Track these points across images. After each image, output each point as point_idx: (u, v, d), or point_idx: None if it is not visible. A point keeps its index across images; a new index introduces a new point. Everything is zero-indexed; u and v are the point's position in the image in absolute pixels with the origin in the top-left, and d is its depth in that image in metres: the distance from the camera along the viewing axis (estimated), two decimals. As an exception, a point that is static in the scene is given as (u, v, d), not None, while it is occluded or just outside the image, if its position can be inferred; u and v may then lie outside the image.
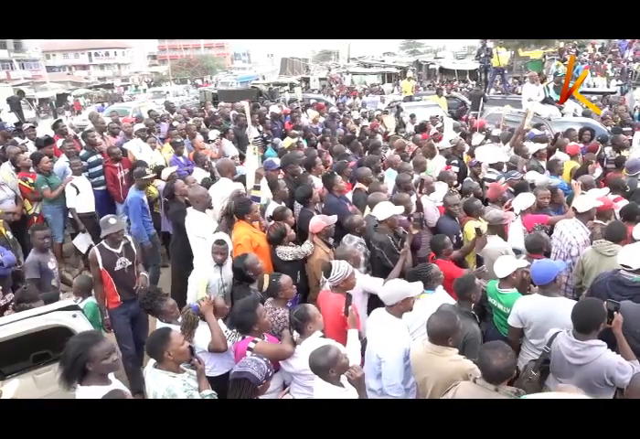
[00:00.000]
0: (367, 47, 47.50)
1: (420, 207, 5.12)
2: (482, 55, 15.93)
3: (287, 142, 8.38)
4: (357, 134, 9.66)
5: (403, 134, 10.06)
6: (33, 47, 52.56)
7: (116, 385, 2.81)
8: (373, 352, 3.40)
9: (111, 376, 2.82)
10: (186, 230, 4.99)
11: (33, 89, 35.64)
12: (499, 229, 4.73)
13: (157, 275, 6.33)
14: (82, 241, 6.57)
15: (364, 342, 3.57)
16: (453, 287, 3.65)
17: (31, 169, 6.79)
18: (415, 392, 3.35)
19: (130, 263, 4.45)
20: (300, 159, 6.58)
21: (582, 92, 15.24)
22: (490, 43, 15.86)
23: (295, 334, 3.36)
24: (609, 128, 9.73)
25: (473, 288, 3.55)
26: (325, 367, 2.74)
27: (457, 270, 4.30)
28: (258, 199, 5.29)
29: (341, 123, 11.53)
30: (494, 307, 4.00)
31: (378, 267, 4.57)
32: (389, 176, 6.41)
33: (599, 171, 6.77)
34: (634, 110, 12.67)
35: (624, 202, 5.05)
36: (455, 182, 6.27)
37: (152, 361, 2.96)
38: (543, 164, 6.93)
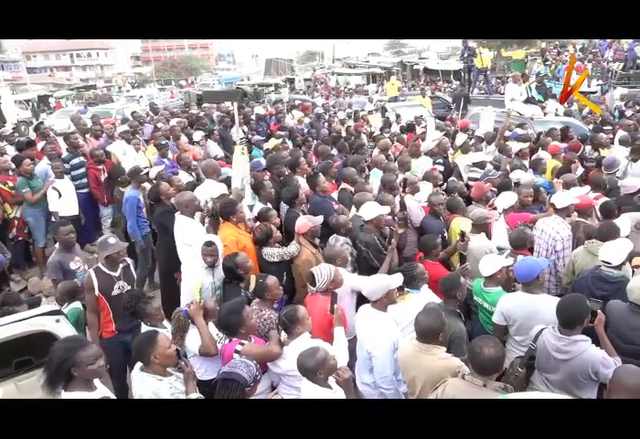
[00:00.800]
0: (351, 47, 47.67)
1: (403, 206, 5.14)
2: (465, 55, 16.07)
3: (272, 143, 8.37)
4: (342, 135, 9.68)
5: (388, 134, 10.10)
6: (12, 47, 51.75)
7: (103, 392, 2.78)
8: (363, 347, 3.45)
9: (96, 382, 2.79)
10: (175, 236, 4.93)
11: (13, 90, 35.04)
12: (483, 227, 4.78)
13: (145, 277, 6.27)
14: (65, 245, 6.48)
15: (355, 339, 3.62)
16: (439, 286, 3.68)
17: (10, 172, 6.68)
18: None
19: (128, 288, 4.13)
20: (285, 160, 6.58)
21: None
22: (473, 43, 16.00)
23: (283, 335, 3.35)
24: (590, 127, 9.89)
25: (458, 287, 3.58)
26: (313, 369, 2.74)
27: (445, 272, 4.33)
28: None
29: (326, 124, 11.55)
30: (479, 306, 4.03)
31: (365, 267, 4.59)
32: (375, 176, 6.44)
33: (580, 170, 6.86)
34: (615, 109, 12.88)
35: (604, 199, 5.14)
36: (440, 182, 6.32)
37: (138, 364, 2.93)
38: (526, 163, 7.01)
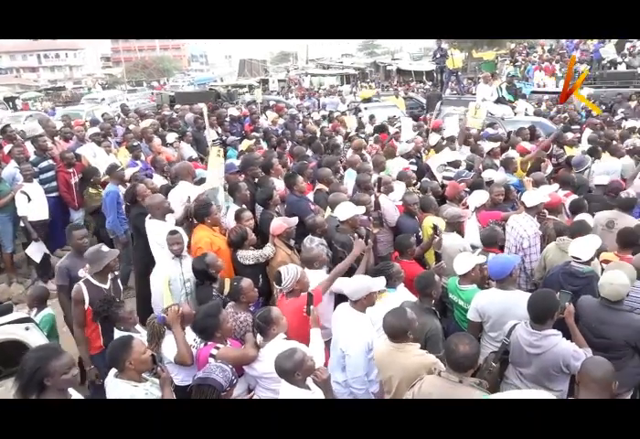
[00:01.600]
0: (325, 48, 47.84)
1: (377, 206, 5.18)
2: (437, 56, 16.26)
3: (245, 144, 8.32)
4: (317, 135, 9.69)
5: (363, 135, 10.16)
6: (-24, 48, 50.23)
7: (78, 400, 2.71)
8: (338, 346, 3.45)
9: (72, 391, 2.71)
10: (149, 241, 4.85)
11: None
12: (457, 226, 4.84)
13: (128, 274, 6.13)
14: (36, 251, 6.34)
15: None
16: (414, 284, 3.72)
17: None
18: (378, 384, 3.40)
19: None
20: (259, 161, 6.55)
21: (534, 92, 15.85)
22: (445, 45, 16.21)
23: (259, 337, 3.34)
24: (559, 126, 10.12)
25: (433, 285, 3.62)
26: (291, 370, 2.74)
27: (420, 271, 4.37)
28: None
29: (301, 125, 11.55)
30: (454, 303, 4.09)
31: (342, 267, 4.59)
32: (349, 177, 6.48)
33: (550, 168, 7.02)
34: (582, 109, 13.21)
35: (574, 197, 5.28)
36: (414, 181, 6.38)
37: (113, 371, 2.87)
38: (497, 162, 7.14)
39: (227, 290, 3.88)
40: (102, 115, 11.34)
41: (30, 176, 6.49)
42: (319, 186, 5.95)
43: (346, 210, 4.65)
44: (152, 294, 4.32)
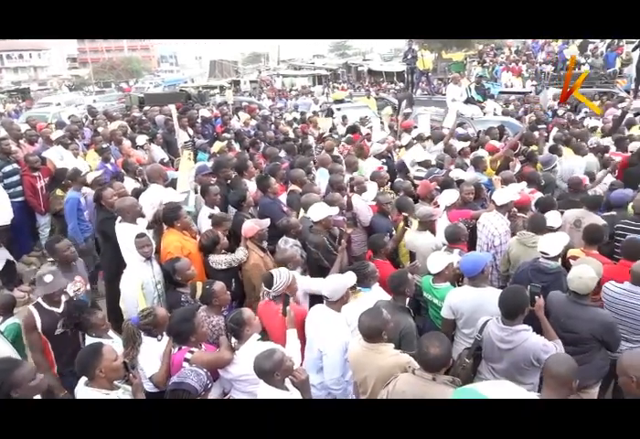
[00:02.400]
0: (296, 49, 47.79)
1: (350, 206, 5.20)
2: (408, 57, 16.44)
3: (217, 146, 8.24)
4: (290, 136, 9.69)
5: (336, 136, 10.20)
6: None
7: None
8: (314, 347, 3.44)
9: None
10: (119, 244, 4.75)
11: None
12: (429, 225, 4.90)
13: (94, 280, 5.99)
14: (-2, 257, 6.13)
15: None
16: (387, 283, 3.74)
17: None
18: (353, 385, 3.39)
19: (73, 325, 3.67)
20: (231, 163, 6.50)
21: (502, 92, 16.19)
22: (415, 46, 16.41)
23: (233, 340, 3.31)
24: (526, 126, 10.35)
25: (406, 283, 3.65)
26: (271, 370, 2.72)
27: (394, 270, 4.41)
28: None
29: (273, 126, 11.51)
30: (429, 302, 4.13)
31: (315, 268, 4.60)
32: (321, 176, 6.49)
33: (518, 166, 7.17)
34: (548, 108, 13.55)
35: (539, 194, 5.41)
36: (387, 180, 6.43)
37: (83, 379, 2.80)
38: (467, 161, 7.25)
39: (199, 294, 3.83)
40: (69, 117, 11.08)
41: (-7, 181, 6.30)
42: (292, 187, 5.95)
43: (319, 211, 4.65)
44: (123, 299, 4.23)
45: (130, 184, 6.36)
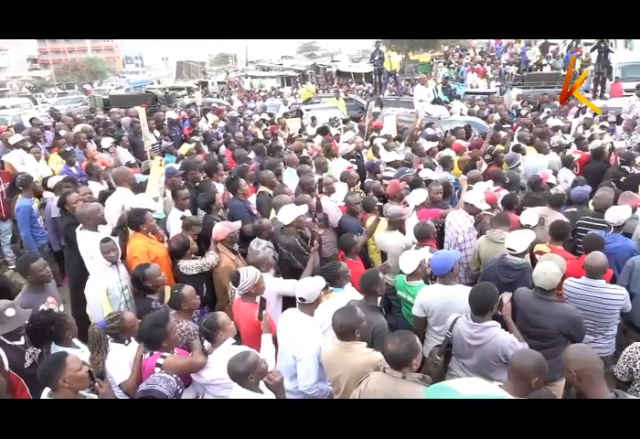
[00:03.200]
0: (264, 50, 47.62)
1: (319, 207, 5.21)
2: (375, 58, 16.60)
3: (185, 148, 8.13)
4: (259, 138, 9.65)
5: (306, 137, 10.21)
6: None
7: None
8: (288, 352, 3.40)
9: None
10: (81, 254, 4.60)
11: None
12: (398, 224, 4.94)
13: None
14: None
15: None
16: (359, 283, 3.75)
17: None
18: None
19: (40, 351, 3.38)
20: (200, 165, 6.42)
21: (467, 93, 16.51)
22: (382, 47, 16.58)
23: (206, 343, 3.26)
24: (491, 125, 10.58)
25: (377, 282, 3.66)
26: (245, 373, 2.70)
27: (365, 269, 4.43)
28: None
29: (242, 127, 11.45)
30: (403, 300, 4.16)
31: (287, 269, 4.59)
32: (290, 176, 6.49)
33: (485, 166, 7.32)
34: (512, 109, 13.90)
35: (505, 192, 5.54)
36: (357, 180, 6.48)
37: (46, 390, 2.71)
38: (435, 160, 7.36)
39: (167, 298, 3.76)
40: (31, 120, 10.74)
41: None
42: (262, 188, 5.92)
43: (288, 214, 4.64)
44: (88, 306, 4.11)
45: (95, 187, 6.21)
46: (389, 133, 8.99)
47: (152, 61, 70.66)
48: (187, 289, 3.65)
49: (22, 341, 3.35)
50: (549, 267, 3.56)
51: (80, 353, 3.21)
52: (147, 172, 6.36)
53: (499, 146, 7.89)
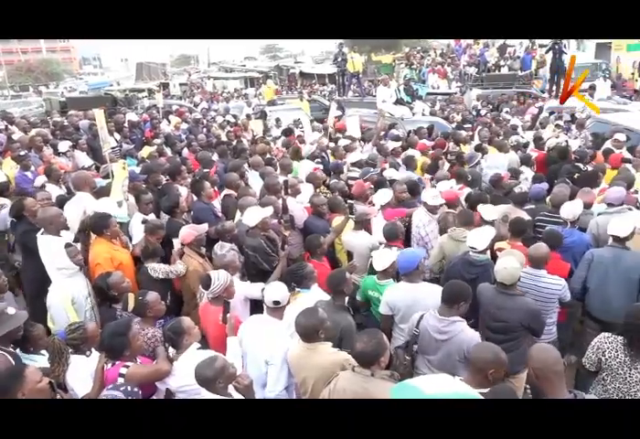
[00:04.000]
0: (227, 51, 47.12)
1: (285, 209, 5.20)
2: (338, 59, 16.70)
3: (146, 151, 7.97)
4: (222, 140, 9.56)
5: (270, 138, 10.17)
6: None
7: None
8: (259, 359, 3.32)
9: None
10: (43, 260, 4.44)
11: None
12: (364, 224, 4.99)
13: None
14: None
15: None
16: (326, 283, 3.76)
17: None
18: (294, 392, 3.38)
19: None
20: (162, 168, 6.31)
21: (429, 93, 16.80)
22: (345, 48, 16.71)
23: (171, 350, 3.20)
24: (453, 125, 10.82)
25: (344, 282, 3.69)
26: (213, 378, 2.66)
27: (330, 270, 4.43)
28: None
29: (205, 129, 11.32)
30: (373, 299, 4.19)
31: (253, 271, 4.55)
32: (253, 178, 6.46)
33: (447, 165, 7.46)
34: (472, 109, 14.22)
35: (468, 190, 5.67)
36: (323, 180, 6.49)
37: (4, 405, 2.60)
38: (399, 160, 7.46)
39: (131, 306, 3.68)
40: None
41: None
42: (227, 191, 5.86)
43: (253, 216, 4.60)
44: (51, 318, 3.95)
45: (54, 191, 6.01)
46: (353, 134, 9.06)
47: (110, 62, 68.78)
48: (152, 295, 3.57)
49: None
50: (510, 262, 3.65)
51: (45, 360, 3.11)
52: (107, 176, 6.18)
53: (462, 146, 8.07)
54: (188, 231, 4.52)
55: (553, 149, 7.66)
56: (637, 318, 3.05)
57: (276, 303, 3.41)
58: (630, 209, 4.86)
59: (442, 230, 4.94)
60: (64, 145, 8.02)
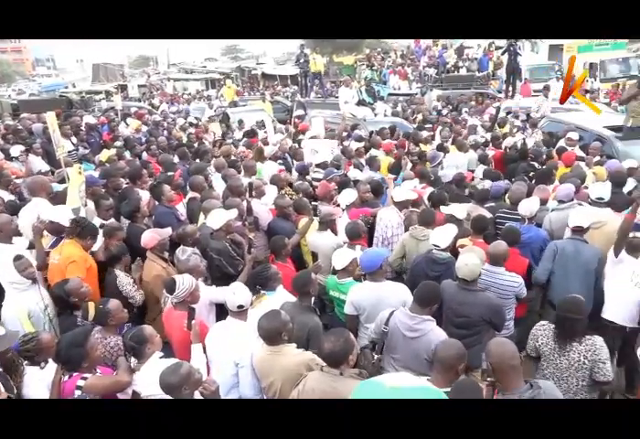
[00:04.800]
0: (187, 52, 46.41)
1: (250, 211, 5.17)
2: (300, 60, 16.71)
3: (105, 154, 7.76)
4: (183, 142, 9.42)
5: (231, 140, 10.08)
6: None
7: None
8: (228, 362, 3.30)
9: None
10: None
11: None
12: (329, 224, 5.00)
13: None
14: None
15: None
16: (292, 284, 3.76)
17: None
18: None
19: None
20: (122, 171, 6.16)
21: (390, 94, 17.02)
22: (307, 49, 16.74)
23: (132, 360, 3.12)
24: (414, 126, 10.99)
25: (310, 283, 3.69)
26: (178, 385, 2.61)
27: (295, 272, 4.43)
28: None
29: (165, 132, 11.12)
30: (336, 299, 4.20)
31: (218, 275, 4.50)
32: (216, 180, 6.41)
33: (410, 164, 7.58)
34: (433, 109, 14.48)
35: (430, 189, 5.76)
36: (288, 182, 6.48)
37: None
38: (362, 161, 7.53)
39: (92, 314, 3.56)
40: None
41: None
42: (192, 194, 5.78)
43: (217, 219, 4.56)
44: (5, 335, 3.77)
45: (4, 197, 5.76)
46: (318, 135, 9.08)
47: (65, 64, 66.59)
48: (114, 303, 3.49)
49: None
50: (470, 259, 3.74)
51: None
52: (62, 181, 5.98)
53: (422, 146, 8.21)
54: (151, 235, 4.44)
55: (512, 148, 7.88)
56: (568, 311, 3.26)
57: (240, 307, 3.39)
58: (580, 204, 5.05)
59: (407, 229, 5.01)
60: (16, 150, 7.74)
